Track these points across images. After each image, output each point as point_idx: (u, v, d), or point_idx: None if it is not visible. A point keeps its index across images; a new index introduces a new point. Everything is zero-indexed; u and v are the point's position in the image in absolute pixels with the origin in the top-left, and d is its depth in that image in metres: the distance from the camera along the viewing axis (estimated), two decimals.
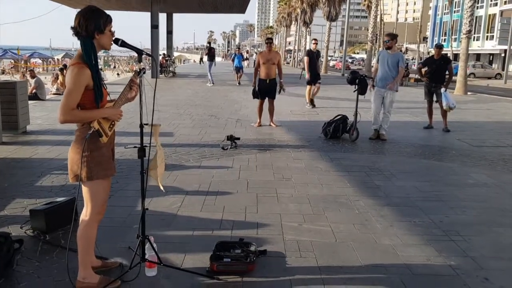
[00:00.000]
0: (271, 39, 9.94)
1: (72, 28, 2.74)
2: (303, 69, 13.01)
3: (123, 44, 2.91)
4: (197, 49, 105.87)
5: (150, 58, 3.41)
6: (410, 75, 24.84)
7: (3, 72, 45.56)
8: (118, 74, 43.94)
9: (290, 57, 71.22)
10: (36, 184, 5.18)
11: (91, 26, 2.70)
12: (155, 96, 3.17)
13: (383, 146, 7.91)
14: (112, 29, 2.85)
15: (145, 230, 3.11)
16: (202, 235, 3.89)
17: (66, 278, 2.95)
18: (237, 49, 26.17)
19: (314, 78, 12.98)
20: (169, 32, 29.67)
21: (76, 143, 2.80)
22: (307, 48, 23.72)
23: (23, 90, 7.91)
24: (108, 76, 37.68)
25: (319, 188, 5.31)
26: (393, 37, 8.49)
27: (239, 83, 21.03)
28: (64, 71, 15.14)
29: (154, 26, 23.31)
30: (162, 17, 28.98)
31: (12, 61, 53.48)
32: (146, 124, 3.02)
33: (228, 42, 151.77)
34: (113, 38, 2.86)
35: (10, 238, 3.24)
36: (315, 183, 5.52)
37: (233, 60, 25.82)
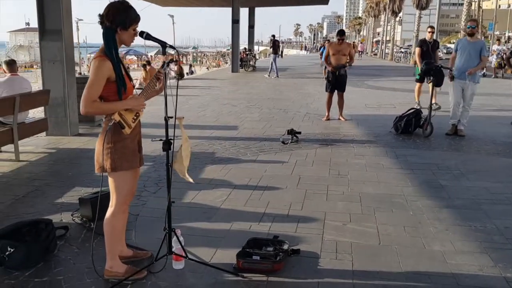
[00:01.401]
0: (343, 31, 9.57)
1: (99, 15, 2.77)
2: (415, 63, 11.05)
3: (148, 36, 2.90)
4: (282, 42, 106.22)
5: (178, 54, 3.37)
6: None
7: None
8: (207, 68, 45.46)
9: (378, 48, 68.77)
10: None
11: (117, 20, 2.72)
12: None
13: (459, 143, 7.30)
14: (137, 29, 2.85)
15: (171, 223, 3.10)
16: (239, 230, 3.82)
17: (97, 266, 3.04)
18: (326, 42, 24.63)
19: (427, 74, 9.64)
20: (251, 27, 29.93)
21: (101, 134, 2.85)
22: (396, 38, 22.30)
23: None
24: (197, 70, 39.07)
25: (375, 187, 5.00)
26: (477, 23, 7.79)
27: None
28: (147, 67, 15.92)
29: (235, 21, 23.63)
30: (245, 12, 29.41)
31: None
32: (171, 117, 2.98)
33: (315, 34, 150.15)
34: (138, 32, 2.86)
35: (51, 225, 3.40)
36: (372, 180, 5.21)
37: (321, 54, 24.80)
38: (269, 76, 20.00)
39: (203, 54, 78.50)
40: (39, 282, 2.97)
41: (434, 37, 11.00)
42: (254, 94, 13.82)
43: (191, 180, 3.16)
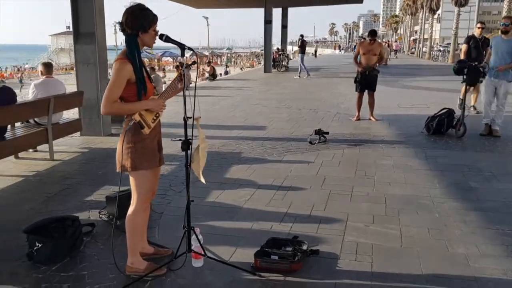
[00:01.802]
0: (375, 31, 9.44)
1: (119, 23, 2.86)
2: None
3: (167, 39, 2.97)
4: (316, 42, 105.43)
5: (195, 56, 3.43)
6: None
7: (155, 69, 50.29)
8: (241, 69, 45.89)
9: (415, 47, 67.30)
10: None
11: (136, 25, 2.80)
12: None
13: (493, 144, 7.07)
14: (157, 28, 2.92)
15: (190, 222, 3.16)
16: (260, 229, 3.84)
17: (120, 262, 3.13)
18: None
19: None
20: (284, 27, 29.86)
21: (122, 134, 2.94)
22: (435, 36, 21.46)
23: None
24: (231, 71, 39.43)
25: (402, 188, 4.92)
26: None
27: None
28: (179, 68, 16.15)
29: (268, 22, 23.65)
30: (278, 13, 29.40)
31: (147, 59, 58.73)
32: (189, 118, 3.03)
33: (350, 33, 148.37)
34: (158, 34, 2.93)
35: (78, 222, 3.52)
36: (399, 182, 5.13)
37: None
38: (299, 77, 19.93)
39: (237, 55, 79.22)
40: (65, 276, 3.09)
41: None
42: (285, 94, 13.82)
43: (203, 180, 3.20)
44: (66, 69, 51.31)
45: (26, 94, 14.13)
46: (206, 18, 51.52)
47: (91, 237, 3.72)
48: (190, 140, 3.05)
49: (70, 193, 4.82)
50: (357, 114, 9.27)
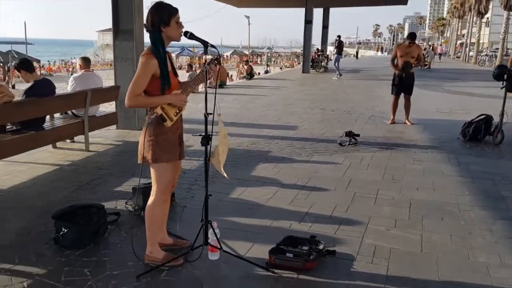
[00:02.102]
0: (414, 34, 9.23)
1: (144, 25, 2.97)
2: None
3: (192, 36, 3.04)
4: (359, 43, 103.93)
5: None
6: None
7: (179, 68, 51.41)
8: (281, 68, 45.93)
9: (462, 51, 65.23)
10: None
11: (156, 20, 2.90)
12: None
13: None
14: (180, 20, 3.00)
15: (208, 215, 3.22)
16: (279, 227, 3.87)
17: (140, 251, 3.25)
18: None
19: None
20: (325, 27, 29.65)
21: (144, 127, 3.04)
22: (484, 40, 20.54)
23: None
24: (271, 70, 39.54)
25: (429, 193, 4.83)
26: None
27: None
28: (218, 66, 16.34)
29: (308, 22, 23.55)
30: (320, 13, 29.22)
31: (189, 57, 59.76)
32: (210, 114, 3.10)
33: (394, 35, 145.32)
34: (183, 31, 3.01)
35: (103, 210, 3.67)
36: (427, 187, 5.03)
37: None
38: (337, 78, 19.77)
39: (277, 55, 79.23)
40: (87, 261, 3.22)
41: None
42: (320, 95, 13.75)
43: (225, 175, 3.26)
44: (110, 65, 52.73)
45: None
46: (248, 17, 51.76)
47: (116, 225, 3.85)
48: (210, 136, 3.10)
49: (101, 183, 5.00)
50: (392, 117, 9.12)
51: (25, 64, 5.50)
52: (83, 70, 6.64)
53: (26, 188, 4.78)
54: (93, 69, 7.55)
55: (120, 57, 7.68)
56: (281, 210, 4.28)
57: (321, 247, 3.37)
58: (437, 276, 3.11)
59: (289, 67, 47.32)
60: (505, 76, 7.20)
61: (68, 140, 6.76)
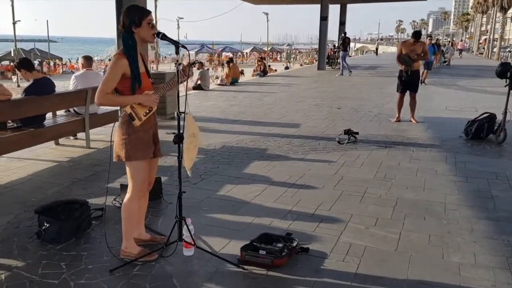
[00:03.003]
0: (419, 33, 9.13)
1: (117, 28, 3.06)
2: None
3: (164, 37, 3.12)
4: (381, 39, 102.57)
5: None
6: None
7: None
8: (301, 65, 45.82)
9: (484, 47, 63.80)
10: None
11: (127, 21, 2.99)
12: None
13: None
14: (153, 22, 3.08)
15: (182, 212, 3.30)
16: (259, 224, 3.93)
17: (119, 246, 3.35)
18: (428, 38, 20.13)
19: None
20: (342, 24, 29.44)
21: (118, 126, 3.14)
22: (509, 36, 19.51)
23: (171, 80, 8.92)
24: (291, 67, 39.46)
25: (417, 192, 4.81)
26: None
27: (423, 82, 15.64)
28: (230, 64, 16.46)
29: (323, 18, 23.46)
30: (337, 9, 29.04)
31: (208, 54, 60.06)
32: (182, 113, 3.17)
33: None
34: (155, 32, 3.09)
35: (86, 206, 3.78)
36: (417, 186, 5.02)
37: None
38: (348, 74, 19.67)
39: (297, 51, 78.96)
40: (66, 255, 3.34)
41: None
42: (330, 93, 13.71)
43: (189, 173, 3.32)
44: None
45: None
46: (266, 14, 51.58)
47: (100, 221, 3.96)
48: (182, 134, 3.18)
49: (95, 179, 5.13)
50: (397, 115, 9.06)
51: (25, 63, 5.67)
52: (84, 69, 6.80)
53: (22, 183, 4.95)
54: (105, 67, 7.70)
55: None
56: (265, 207, 4.34)
57: (294, 244, 3.42)
58: (406, 275, 3.12)
59: (308, 64, 47.19)
60: (509, 73, 7.08)
61: (71, 137, 6.94)
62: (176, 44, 3.13)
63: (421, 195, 4.73)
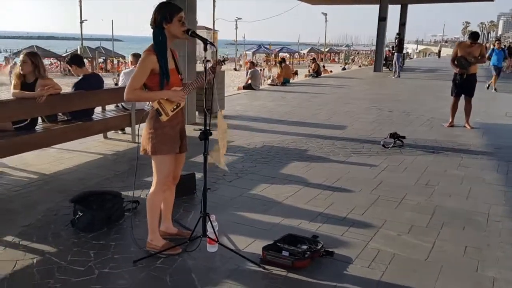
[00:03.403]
0: (477, 34, 8.66)
1: (150, 24, 3.13)
2: None
3: (193, 34, 3.16)
4: (446, 41, 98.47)
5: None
6: None
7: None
8: (360, 66, 45.05)
9: None
10: (190, 159, 5.92)
11: (159, 17, 3.05)
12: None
13: None
14: (183, 19, 3.13)
15: (206, 208, 3.32)
16: (287, 225, 3.88)
17: (145, 238, 3.43)
18: (496, 42, 18.57)
19: None
20: (402, 24, 28.52)
21: (146, 121, 3.21)
22: None
23: (219, 79, 9.04)
24: (349, 68, 38.87)
25: (460, 201, 4.57)
26: None
27: (495, 89, 14.80)
28: (283, 64, 16.44)
29: (382, 19, 22.91)
30: (397, 9, 28.24)
31: (265, 55, 60.36)
32: (209, 109, 3.19)
33: (485, 34, 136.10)
34: (185, 29, 3.13)
35: (119, 197, 3.90)
36: (460, 194, 4.77)
37: (489, 57, 16.41)
38: (396, 76, 19.10)
39: (356, 52, 77.59)
40: (95, 244, 3.46)
41: None
42: (383, 95, 13.35)
43: (226, 168, 3.34)
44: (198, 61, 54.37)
45: None
46: (325, 14, 51.17)
47: (134, 213, 4.07)
48: (209, 131, 3.20)
49: (134, 173, 5.27)
50: (450, 120, 8.67)
51: (76, 60, 5.95)
52: (133, 66, 7.02)
53: (67, 174, 5.19)
54: None
55: None
56: (295, 208, 4.28)
57: (319, 247, 3.35)
58: (433, 286, 2.97)
59: (367, 65, 46.25)
60: None
61: (119, 131, 7.20)
62: (205, 41, 3.16)
63: (463, 204, 4.49)
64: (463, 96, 8.48)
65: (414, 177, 5.34)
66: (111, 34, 50.48)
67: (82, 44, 38.09)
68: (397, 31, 28.35)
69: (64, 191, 4.59)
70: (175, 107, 3.20)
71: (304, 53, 69.72)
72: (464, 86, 8.37)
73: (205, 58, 3.21)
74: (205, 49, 3.20)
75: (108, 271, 3.08)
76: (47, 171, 5.22)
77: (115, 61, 44.06)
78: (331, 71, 31.35)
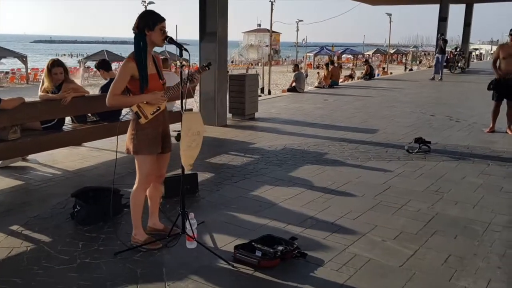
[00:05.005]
0: None
1: (132, 29, 3.35)
2: None
3: (170, 40, 3.35)
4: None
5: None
6: None
7: (317, 67, 52.09)
8: (429, 67, 43.46)
9: None
10: (206, 160, 6.13)
11: (142, 24, 3.26)
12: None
13: None
14: (166, 29, 3.32)
15: (185, 206, 3.49)
16: (274, 227, 3.95)
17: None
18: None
19: None
20: (467, 25, 27.28)
21: (131, 123, 3.43)
22: None
23: (252, 82, 9.22)
24: (415, 69, 37.62)
25: (465, 210, 4.41)
26: None
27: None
28: (330, 66, 16.31)
29: (442, 19, 22.08)
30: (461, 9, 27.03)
31: (327, 57, 59.86)
32: (186, 111, 3.36)
33: None
34: (164, 37, 3.32)
35: (117, 194, 4.17)
36: (469, 203, 4.59)
37: None
38: (432, 78, 18.23)
39: (425, 53, 74.78)
40: (87, 236, 3.74)
41: None
42: (432, 98, 12.90)
43: (186, 168, 3.46)
44: (251, 64, 55.20)
45: None
46: (389, 14, 49.72)
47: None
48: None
49: None
50: (491, 125, 8.26)
51: (104, 64, 6.35)
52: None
53: (88, 171, 5.58)
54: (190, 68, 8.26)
55: (205, 58, 8.28)
56: (289, 211, 4.34)
57: (292, 248, 3.40)
58: None
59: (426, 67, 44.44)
60: None
61: None
62: (180, 47, 3.33)
63: (466, 213, 4.32)
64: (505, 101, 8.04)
65: (426, 183, 5.19)
66: (185, 38, 52.24)
67: None
68: (476, 32, 27.16)
69: (79, 186, 4.89)
70: (155, 110, 3.39)
71: (368, 55, 68.26)
72: (506, 91, 7.94)
73: (180, 63, 3.37)
74: (181, 55, 3.37)
75: (89, 261, 3.32)
76: (71, 168, 5.64)
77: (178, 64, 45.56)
78: (391, 73, 30.53)
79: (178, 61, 3.41)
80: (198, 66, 3.55)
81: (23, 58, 36.62)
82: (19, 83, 35.87)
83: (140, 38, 3.29)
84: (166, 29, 3.36)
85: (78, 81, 34.50)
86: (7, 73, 36.92)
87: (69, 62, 55.27)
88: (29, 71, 37.32)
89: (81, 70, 36.45)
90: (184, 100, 3.42)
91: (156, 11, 3.37)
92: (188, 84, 3.39)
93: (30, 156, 5.87)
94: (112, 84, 3.33)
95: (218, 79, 8.21)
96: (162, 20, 3.32)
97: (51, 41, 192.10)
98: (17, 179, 5.16)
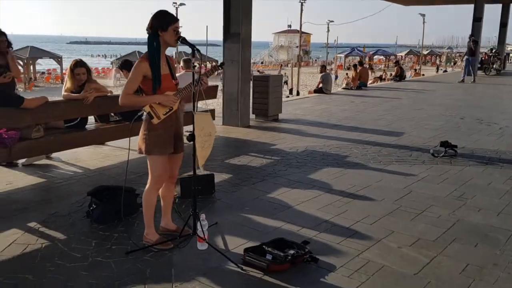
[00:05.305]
0: None
1: (146, 29, 3.36)
2: None
3: (183, 41, 3.34)
4: None
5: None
6: None
7: (348, 68, 51.69)
8: (445, 70, 42.49)
9: None
10: (225, 160, 6.12)
11: (156, 24, 3.27)
12: None
13: None
14: (180, 29, 3.32)
15: (196, 207, 3.48)
16: (287, 230, 3.89)
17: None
18: None
19: None
20: (503, 25, 26.36)
21: (143, 123, 3.44)
22: None
23: (276, 83, 9.17)
24: (449, 70, 36.83)
25: (488, 217, 4.24)
26: None
27: None
28: (358, 67, 16.07)
29: (477, 19, 21.38)
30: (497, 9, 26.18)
31: (359, 58, 59.17)
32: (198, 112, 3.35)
33: None
34: (177, 37, 3.32)
35: (132, 193, 4.20)
36: (493, 210, 4.41)
37: None
38: (472, 81, 17.64)
39: (459, 55, 72.98)
40: (101, 234, 3.77)
41: None
42: (462, 101, 12.53)
43: (201, 168, 3.44)
44: (281, 65, 55.05)
45: None
46: (423, 15, 48.79)
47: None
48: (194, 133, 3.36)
49: None
50: None
51: (126, 65, 6.42)
52: (184, 70, 7.40)
53: (108, 169, 5.65)
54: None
55: (229, 58, 8.28)
56: (304, 214, 4.27)
57: (304, 252, 3.34)
58: None
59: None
60: None
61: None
62: (193, 48, 3.32)
63: (489, 220, 4.15)
64: None
65: (450, 189, 5.02)
66: (215, 39, 52.61)
67: (177, 49, 40.24)
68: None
69: (97, 185, 4.99)
70: (167, 110, 3.39)
71: (401, 56, 67.06)
72: None
73: (193, 64, 3.36)
74: (193, 55, 3.36)
75: (101, 259, 3.35)
76: (93, 166, 5.73)
77: (208, 65, 46.02)
78: (423, 75, 29.91)
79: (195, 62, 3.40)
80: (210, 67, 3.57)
81: (58, 59, 37.70)
82: (54, 83, 36.96)
83: (154, 39, 3.30)
84: (180, 30, 3.35)
85: (110, 81, 35.29)
86: (43, 73, 38.11)
87: (103, 62, 56.90)
88: (63, 71, 38.36)
89: (114, 70, 37.21)
90: (195, 101, 3.39)
91: (175, 12, 3.38)
92: (199, 86, 3.36)
93: (54, 154, 6.00)
94: (125, 83, 3.35)
95: (241, 80, 8.19)
96: (176, 20, 3.33)
97: (86, 42, 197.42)
98: (39, 177, 5.27)
